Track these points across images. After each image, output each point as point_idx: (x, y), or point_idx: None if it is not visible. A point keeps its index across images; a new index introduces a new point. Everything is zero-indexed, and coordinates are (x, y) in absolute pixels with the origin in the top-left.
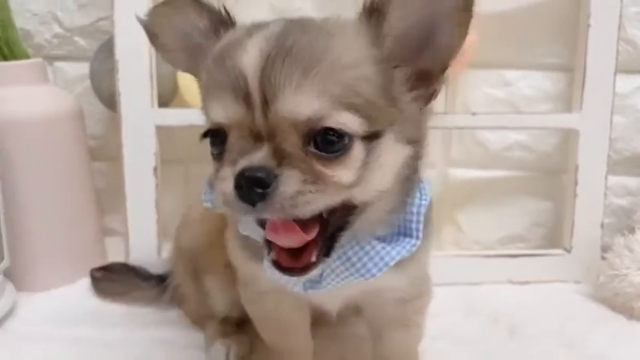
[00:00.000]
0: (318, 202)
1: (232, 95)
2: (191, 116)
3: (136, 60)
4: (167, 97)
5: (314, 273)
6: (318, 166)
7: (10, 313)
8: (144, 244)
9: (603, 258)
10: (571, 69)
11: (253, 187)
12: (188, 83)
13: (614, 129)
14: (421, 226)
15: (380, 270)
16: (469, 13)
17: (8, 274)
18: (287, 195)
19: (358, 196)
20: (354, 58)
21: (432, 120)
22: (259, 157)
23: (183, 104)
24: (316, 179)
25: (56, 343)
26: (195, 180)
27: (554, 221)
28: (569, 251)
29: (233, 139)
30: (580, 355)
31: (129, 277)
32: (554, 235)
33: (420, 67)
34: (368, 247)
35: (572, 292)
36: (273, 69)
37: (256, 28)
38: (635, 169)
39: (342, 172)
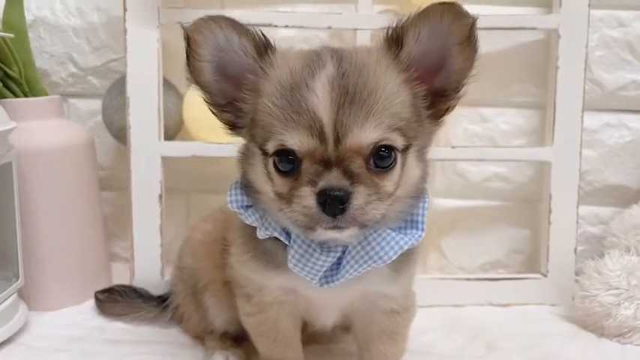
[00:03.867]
0: (379, 208)
1: (309, 132)
2: (194, 148)
3: (145, 97)
4: (173, 131)
5: (349, 233)
6: (376, 180)
7: (22, 329)
8: (148, 266)
9: (577, 282)
10: (543, 107)
11: (336, 203)
12: (193, 117)
13: (585, 162)
14: (425, 220)
15: (395, 253)
16: (473, 48)
17: (21, 295)
18: (359, 207)
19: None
20: (395, 88)
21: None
22: (336, 178)
23: (187, 137)
24: (376, 191)
25: (66, 355)
26: (195, 208)
27: (532, 248)
28: (545, 275)
29: (308, 164)
30: None
31: (131, 298)
32: (532, 260)
33: (437, 85)
34: (385, 234)
35: (548, 313)
36: (343, 114)
37: (315, 63)
38: (606, 199)
39: (388, 183)
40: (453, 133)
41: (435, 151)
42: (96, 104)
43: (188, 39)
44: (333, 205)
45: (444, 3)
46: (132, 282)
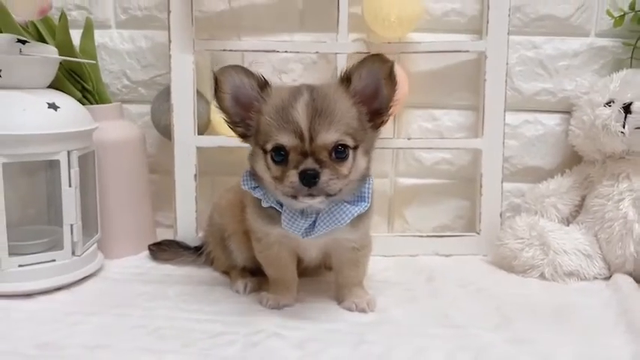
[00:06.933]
0: (338, 184)
1: (294, 134)
2: (219, 141)
3: (184, 103)
4: (203, 128)
5: (319, 200)
6: (336, 166)
7: (101, 269)
8: (186, 226)
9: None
10: (476, 108)
11: (310, 179)
12: (218, 119)
13: (510, 150)
14: (370, 195)
15: (349, 218)
16: (394, 81)
17: (98, 247)
18: (324, 181)
19: (347, 183)
20: (346, 108)
21: (381, 142)
22: (310, 163)
23: (213, 133)
24: (335, 173)
25: (133, 283)
26: (219, 187)
27: (471, 214)
28: (478, 234)
29: (292, 155)
30: (469, 289)
31: (175, 248)
32: (470, 224)
33: (374, 107)
34: (342, 206)
35: (478, 260)
36: (314, 123)
37: (296, 93)
38: (526, 177)
39: (344, 168)
40: (411, 129)
41: (397, 142)
42: (144, 108)
43: (216, 79)
44: (309, 179)
45: (374, 54)
46: (175, 238)
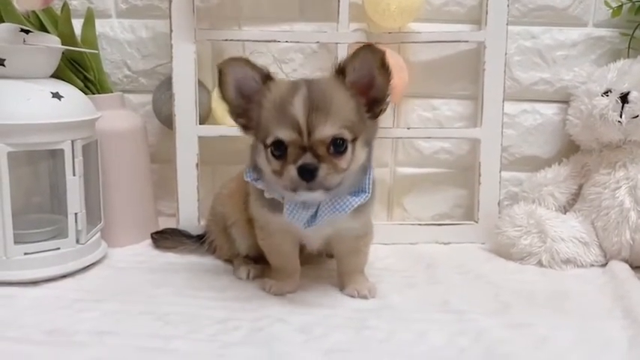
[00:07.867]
0: (336, 177)
1: (292, 128)
2: (220, 130)
3: (185, 93)
4: (204, 118)
5: (318, 194)
6: (334, 160)
7: (105, 257)
8: (188, 215)
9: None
10: (475, 98)
11: (308, 173)
12: (218, 108)
13: (508, 139)
14: (370, 186)
15: (349, 208)
16: (387, 70)
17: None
18: (322, 176)
19: (346, 175)
20: (344, 100)
21: (381, 132)
22: (309, 158)
23: (215, 122)
24: (334, 167)
25: (137, 270)
26: (220, 175)
27: (469, 203)
28: (477, 222)
29: (291, 149)
30: (467, 276)
31: (177, 236)
32: (469, 212)
33: (371, 97)
34: (343, 197)
35: (477, 248)
36: (311, 117)
37: (294, 88)
38: (524, 166)
39: (342, 162)
40: (410, 118)
41: (396, 132)
42: (145, 98)
43: (220, 71)
44: (307, 174)
45: (366, 45)
46: (177, 226)
